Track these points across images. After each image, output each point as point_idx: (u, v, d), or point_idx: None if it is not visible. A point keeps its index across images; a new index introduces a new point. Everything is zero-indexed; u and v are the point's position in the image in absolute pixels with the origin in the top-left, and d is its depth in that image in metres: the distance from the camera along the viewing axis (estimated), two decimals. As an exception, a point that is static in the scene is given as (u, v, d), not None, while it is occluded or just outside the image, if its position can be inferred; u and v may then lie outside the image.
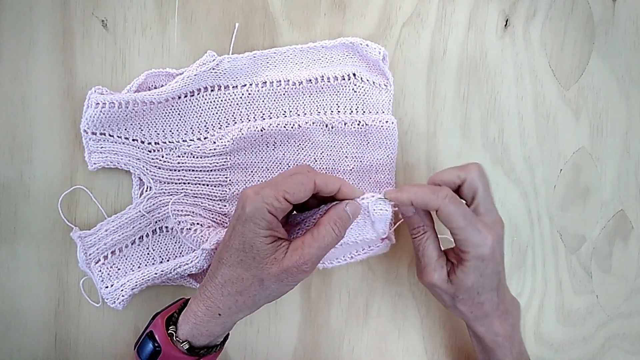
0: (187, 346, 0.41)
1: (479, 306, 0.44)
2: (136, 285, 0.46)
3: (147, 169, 0.47)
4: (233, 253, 0.39)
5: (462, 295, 0.44)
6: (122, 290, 0.46)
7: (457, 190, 0.44)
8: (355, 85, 0.50)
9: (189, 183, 0.48)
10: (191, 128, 0.48)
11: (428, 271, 0.44)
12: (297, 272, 0.39)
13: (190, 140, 0.48)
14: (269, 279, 0.39)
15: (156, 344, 0.40)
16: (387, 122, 0.50)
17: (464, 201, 0.43)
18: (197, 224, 0.47)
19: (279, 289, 0.40)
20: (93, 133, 0.46)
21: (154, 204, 0.47)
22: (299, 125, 0.48)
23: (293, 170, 0.42)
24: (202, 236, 0.46)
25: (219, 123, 0.48)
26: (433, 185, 0.43)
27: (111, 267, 0.47)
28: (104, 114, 0.45)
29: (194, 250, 0.47)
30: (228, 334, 0.44)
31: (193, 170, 0.48)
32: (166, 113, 0.47)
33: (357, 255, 0.50)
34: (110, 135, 0.46)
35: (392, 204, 0.43)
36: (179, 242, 0.48)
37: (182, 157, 0.48)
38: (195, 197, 0.48)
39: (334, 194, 0.41)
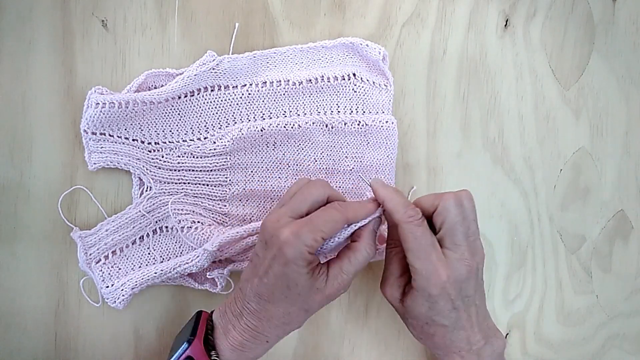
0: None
1: (428, 336, 0.43)
2: (136, 284, 0.46)
3: (147, 169, 0.47)
4: (276, 291, 0.39)
5: (411, 320, 0.43)
6: (122, 290, 0.46)
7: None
8: (355, 85, 0.50)
9: (189, 183, 0.48)
10: (191, 128, 0.48)
11: (384, 285, 0.44)
12: (338, 295, 0.41)
13: (190, 140, 0.48)
14: (313, 306, 0.41)
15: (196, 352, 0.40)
16: (387, 122, 0.50)
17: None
18: (198, 222, 0.47)
19: (317, 310, 0.42)
20: (93, 133, 0.46)
21: (154, 204, 0.47)
22: (299, 125, 0.48)
23: (310, 187, 0.41)
24: (203, 234, 0.46)
25: (219, 123, 0.48)
26: (409, 202, 0.42)
27: (112, 267, 0.47)
28: (104, 114, 0.45)
29: (195, 249, 0.47)
30: None
31: (193, 170, 0.48)
32: (166, 113, 0.47)
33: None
34: (110, 135, 0.46)
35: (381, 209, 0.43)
36: (179, 242, 0.48)
37: (182, 157, 0.48)
38: (196, 197, 0.48)
39: None
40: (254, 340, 0.41)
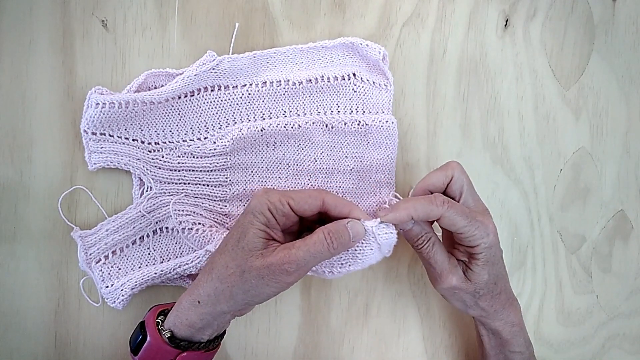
0: (169, 334, 0.41)
1: (497, 297, 0.45)
2: (136, 285, 0.46)
3: (147, 169, 0.47)
4: (229, 242, 0.41)
5: (483, 290, 0.44)
6: (122, 290, 0.46)
7: (445, 190, 0.45)
8: (355, 85, 0.50)
9: (189, 183, 0.48)
10: (191, 128, 0.48)
11: (445, 276, 0.44)
12: (279, 271, 0.38)
13: (190, 140, 0.48)
14: (249, 271, 0.39)
15: (144, 332, 0.42)
16: (387, 122, 0.50)
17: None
18: (199, 223, 0.47)
19: (258, 286, 0.39)
20: (93, 133, 0.46)
21: (154, 204, 0.47)
22: (299, 125, 0.48)
23: (314, 191, 0.44)
24: (204, 236, 0.46)
25: (219, 123, 0.48)
26: (427, 196, 0.43)
27: (111, 267, 0.47)
28: (104, 114, 0.45)
29: (195, 250, 0.47)
30: (217, 343, 0.44)
31: (193, 171, 0.48)
32: (166, 113, 0.47)
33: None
34: (110, 135, 0.46)
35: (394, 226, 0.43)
36: (179, 243, 0.48)
37: (182, 157, 0.48)
38: (196, 197, 0.48)
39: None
40: (189, 299, 0.41)
